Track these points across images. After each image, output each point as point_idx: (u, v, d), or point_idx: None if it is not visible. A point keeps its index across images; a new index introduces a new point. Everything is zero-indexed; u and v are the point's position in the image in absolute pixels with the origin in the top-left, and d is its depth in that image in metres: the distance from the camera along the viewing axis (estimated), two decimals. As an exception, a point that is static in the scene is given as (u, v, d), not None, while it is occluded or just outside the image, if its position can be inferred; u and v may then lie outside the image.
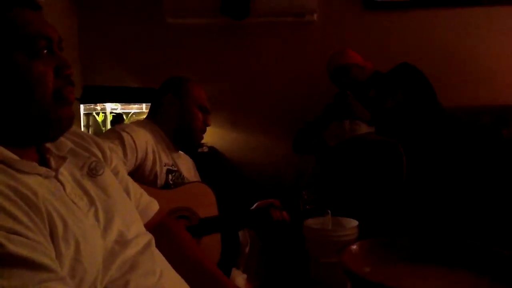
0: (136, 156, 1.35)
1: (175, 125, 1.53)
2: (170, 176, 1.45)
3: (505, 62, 2.56)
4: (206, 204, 1.47)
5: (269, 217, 1.53)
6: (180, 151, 1.62)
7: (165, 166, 1.46)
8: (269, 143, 2.64)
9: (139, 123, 1.52)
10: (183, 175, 1.53)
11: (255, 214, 1.58)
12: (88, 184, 0.79)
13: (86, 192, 0.77)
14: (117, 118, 2.24)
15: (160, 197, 1.35)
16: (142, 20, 2.63)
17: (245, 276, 1.38)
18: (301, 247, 1.28)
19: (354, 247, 0.94)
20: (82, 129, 2.24)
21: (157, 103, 1.58)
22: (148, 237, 0.85)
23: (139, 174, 1.37)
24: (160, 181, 1.43)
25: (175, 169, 1.50)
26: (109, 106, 2.25)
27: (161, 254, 0.86)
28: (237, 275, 1.37)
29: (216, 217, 1.47)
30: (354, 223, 1.26)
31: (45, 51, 0.72)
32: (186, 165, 1.63)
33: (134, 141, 1.34)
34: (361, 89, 2.22)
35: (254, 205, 1.62)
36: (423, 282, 0.87)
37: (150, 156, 1.40)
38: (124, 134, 1.32)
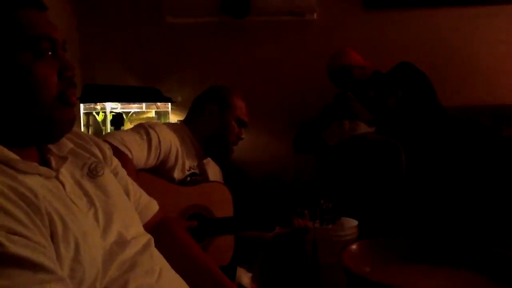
0: (159, 156, 1.37)
1: (210, 134, 1.55)
2: (188, 178, 1.47)
3: (506, 61, 2.56)
4: (222, 204, 1.47)
5: (289, 224, 1.53)
6: (209, 158, 1.63)
7: (189, 170, 1.47)
8: (269, 141, 2.64)
9: (169, 125, 1.54)
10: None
11: (275, 218, 1.57)
12: (88, 185, 0.79)
13: (85, 193, 0.77)
14: (117, 118, 2.24)
15: (177, 193, 1.37)
16: (142, 19, 2.63)
17: (250, 275, 1.39)
18: (303, 247, 1.28)
19: (354, 246, 0.94)
20: (82, 128, 2.24)
21: (196, 111, 1.60)
22: (147, 237, 0.85)
23: (157, 171, 1.39)
24: (177, 181, 1.44)
25: (200, 173, 1.52)
26: (109, 106, 2.24)
27: (160, 254, 0.86)
28: (242, 274, 1.37)
29: (229, 218, 1.47)
30: (354, 223, 1.26)
31: (50, 52, 0.72)
32: (213, 173, 1.65)
33: (159, 140, 1.36)
34: (361, 88, 2.22)
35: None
36: (423, 282, 0.87)
37: (172, 158, 1.41)
38: (152, 132, 1.35)
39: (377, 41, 2.58)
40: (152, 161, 1.35)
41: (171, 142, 1.41)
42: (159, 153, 1.37)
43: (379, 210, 1.72)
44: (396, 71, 2.18)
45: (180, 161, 1.44)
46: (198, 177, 1.51)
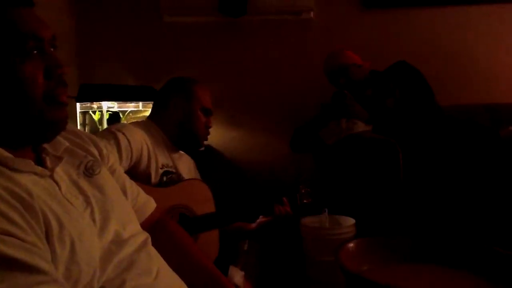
0: (131, 158, 1.35)
1: (177, 127, 1.53)
2: (164, 178, 1.45)
3: (504, 60, 2.57)
4: (203, 201, 1.47)
5: (271, 212, 1.52)
6: (181, 151, 1.62)
7: (162, 168, 1.45)
8: (267, 141, 2.63)
9: (137, 123, 1.51)
10: (182, 177, 1.53)
11: (257, 208, 1.56)
12: (84, 184, 0.79)
13: (82, 192, 0.77)
14: (114, 117, 2.23)
15: (156, 195, 1.35)
16: (139, 18, 2.62)
17: (242, 273, 1.38)
18: (297, 245, 1.28)
19: (351, 245, 0.94)
20: (79, 127, 2.23)
21: (161, 104, 1.58)
22: (144, 236, 0.85)
23: (132, 174, 1.37)
24: (154, 181, 1.43)
25: (173, 170, 1.50)
26: (106, 105, 2.24)
27: (157, 253, 0.86)
28: (235, 272, 1.37)
29: (212, 214, 1.47)
30: (351, 221, 1.26)
31: (35, 51, 0.70)
32: (186, 166, 1.63)
33: (129, 143, 1.33)
34: (358, 88, 2.22)
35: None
36: (421, 281, 0.87)
37: (145, 158, 1.40)
38: (120, 135, 1.32)
39: (375, 40, 2.58)
40: (124, 165, 1.33)
41: (141, 142, 1.39)
42: (131, 155, 1.34)
43: (376, 209, 1.72)
44: (393, 69, 2.18)
45: (153, 159, 1.42)
46: (173, 175, 1.50)
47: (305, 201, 1.49)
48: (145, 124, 1.52)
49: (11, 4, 0.70)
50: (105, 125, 2.23)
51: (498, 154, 1.79)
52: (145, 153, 1.40)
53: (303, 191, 1.51)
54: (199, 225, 1.42)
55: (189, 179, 1.54)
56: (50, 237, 0.63)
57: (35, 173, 0.69)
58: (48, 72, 0.71)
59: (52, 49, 0.74)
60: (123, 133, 1.33)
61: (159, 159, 1.45)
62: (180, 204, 1.41)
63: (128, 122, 2.16)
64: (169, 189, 1.42)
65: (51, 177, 0.73)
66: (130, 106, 2.31)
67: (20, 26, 0.69)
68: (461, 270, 0.86)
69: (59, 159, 0.77)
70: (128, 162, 1.34)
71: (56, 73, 0.72)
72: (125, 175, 0.98)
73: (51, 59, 0.72)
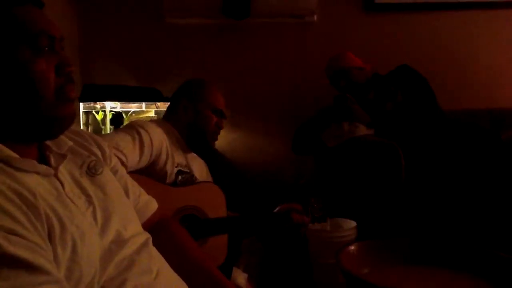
0: (151, 154, 1.38)
1: (187, 128, 1.57)
2: (180, 177, 1.47)
3: (506, 65, 2.57)
4: (216, 205, 1.48)
5: (290, 220, 1.52)
6: (193, 153, 1.64)
7: (177, 166, 1.48)
8: (269, 143, 2.64)
9: (157, 122, 1.55)
10: (195, 177, 1.55)
11: (277, 217, 1.55)
12: (87, 183, 0.79)
13: (84, 191, 0.77)
14: (117, 117, 2.24)
15: (170, 194, 1.37)
16: (142, 19, 2.63)
17: (245, 275, 1.39)
18: (300, 247, 1.28)
19: (352, 248, 0.94)
20: (82, 127, 2.24)
21: (172, 108, 1.62)
22: (145, 236, 0.85)
23: (149, 171, 1.40)
24: (169, 180, 1.45)
25: (187, 170, 1.53)
26: (109, 105, 2.25)
27: (158, 253, 0.86)
28: (238, 274, 1.37)
29: (223, 219, 1.47)
30: (353, 224, 1.26)
31: (47, 48, 0.72)
32: (199, 167, 1.65)
33: (151, 140, 1.37)
34: (360, 91, 2.22)
35: (277, 208, 1.58)
36: (422, 284, 0.87)
37: (163, 156, 1.43)
38: (143, 132, 1.36)
39: (377, 44, 2.58)
40: (144, 162, 1.36)
41: (161, 140, 1.43)
42: (151, 153, 1.38)
43: (378, 212, 1.72)
44: (396, 73, 2.19)
45: (170, 158, 1.45)
46: (187, 175, 1.52)
47: (316, 215, 1.49)
48: (162, 123, 1.55)
49: (24, 3, 0.72)
50: (108, 125, 2.24)
51: (499, 156, 1.79)
52: (164, 151, 1.43)
53: (315, 205, 1.51)
54: (209, 228, 1.43)
55: (206, 181, 1.57)
56: (52, 238, 0.63)
57: (40, 173, 0.70)
58: (59, 69, 0.73)
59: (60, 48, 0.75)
60: (146, 130, 1.37)
61: (175, 158, 1.48)
62: (192, 205, 1.42)
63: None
64: (183, 189, 1.45)
65: (56, 175, 0.73)
66: (133, 107, 2.32)
67: (33, 23, 0.71)
68: (462, 272, 0.87)
69: (63, 157, 0.78)
70: (148, 159, 1.38)
71: (65, 71, 0.73)
72: (127, 175, 0.99)
73: (62, 56, 0.74)
